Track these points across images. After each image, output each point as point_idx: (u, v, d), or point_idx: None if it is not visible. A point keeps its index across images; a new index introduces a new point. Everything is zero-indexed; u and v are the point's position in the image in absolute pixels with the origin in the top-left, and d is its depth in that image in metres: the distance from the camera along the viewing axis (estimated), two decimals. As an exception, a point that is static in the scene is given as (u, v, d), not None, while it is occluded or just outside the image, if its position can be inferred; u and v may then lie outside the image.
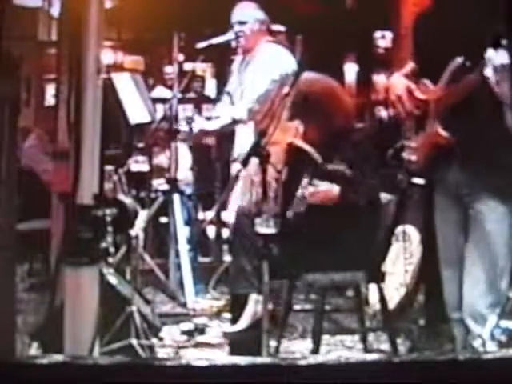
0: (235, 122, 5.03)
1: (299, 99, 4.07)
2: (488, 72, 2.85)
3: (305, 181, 3.95)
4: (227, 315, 4.75)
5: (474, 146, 3.05)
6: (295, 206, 3.95)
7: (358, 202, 3.88)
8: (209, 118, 5.38)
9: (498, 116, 2.98)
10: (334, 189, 3.93)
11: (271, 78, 4.86)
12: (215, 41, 5.19)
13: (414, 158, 3.23)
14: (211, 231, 6.53)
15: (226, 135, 5.59)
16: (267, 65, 4.93)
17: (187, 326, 4.71)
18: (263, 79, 4.90)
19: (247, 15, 5.08)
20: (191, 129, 5.28)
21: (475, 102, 2.99)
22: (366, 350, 4.22)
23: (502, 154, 3.04)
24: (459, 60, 3.01)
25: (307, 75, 4.14)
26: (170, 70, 6.54)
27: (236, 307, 4.42)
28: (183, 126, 5.35)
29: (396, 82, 3.25)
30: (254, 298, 4.28)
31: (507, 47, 2.80)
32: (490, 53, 2.85)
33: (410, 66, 3.28)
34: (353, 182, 3.90)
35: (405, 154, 3.27)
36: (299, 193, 3.95)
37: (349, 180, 3.90)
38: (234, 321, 4.40)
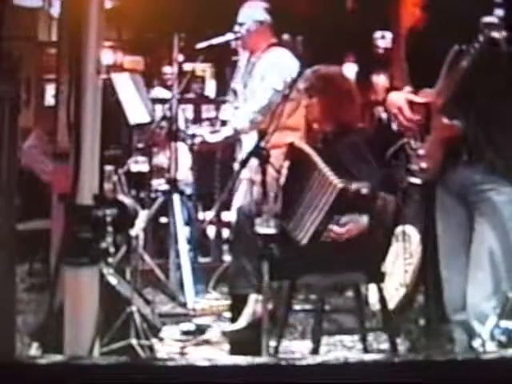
0: (237, 132, 5.01)
1: (319, 76, 4.13)
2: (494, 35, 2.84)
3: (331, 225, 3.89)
4: (227, 315, 4.75)
5: (486, 132, 3.05)
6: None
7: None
8: (213, 132, 5.36)
9: (502, 98, 2.99)
10: (362, 220, 3.90)
11: (275, 89, 4.84)
12: (215, 41, 5.19)
13: (424, 165, 3.20)
14: (211, 231, 6.53)
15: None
16: (272, 75, 4.89)
17: (187, 326, 4.72)
18: (267, 90, 4.87)
19: (245, 16, 5.07)
20: (193, 143, 5.30)
21: (479, 84, 2.99)
22: (366, 350, 4.22)
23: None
24: (455, 48, 3.02)
25: (323, 67, 4.21)
26: (170, 71, 6.54)
27: (236, 307, 4.42)
28: (186, 138, 5.37)
29: (395, 97, 3.26)
30: (253, 297, 4.28)
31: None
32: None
33: (406, 90, 3.29)
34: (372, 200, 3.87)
35: (413, 165, 3.25)
36: (325, 236, 3.91)
37: (369, 201, 3.86)
38: (233, 320, 4.41)
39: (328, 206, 3.79)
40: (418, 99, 3.18)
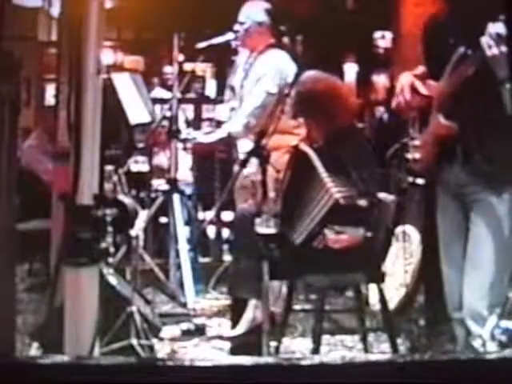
0: (231, 136, 4.99)
1: (303, 97, 4.06)
2: (485, 45, 2.86)
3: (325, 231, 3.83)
4: (227, 315, 4.75)
5: (476, 136, 3.07)
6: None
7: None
8: (207, 133, 5.39)
9: (501, 104, 3.00)
10: (357, 232, 3.83)
11: (268, 92, 4.81)
12: (215, 41, 5.19)
13: (417, 156, 3.24)
14: (211, 231, 6.54)
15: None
16: (267, 77, 4.87)
17: (187, 325, 4.71)
18: (260, 93, 4.85)
19: (245, 15, 5.07)
20: (187, 141, 5.33)
21: (477, 90, 3.01)
22: (366, 350, 4.21)
23: (506, 145, 3.05)
24: (461, 50, 3.03)
25: (311, 73, 4.15)
26: (170, 70, 6.54)
27: (236, 309, 4.42)
28: (182, 137, 5.40)
29: (402, 78, 3.29)
30: (253, 303, 4.26)
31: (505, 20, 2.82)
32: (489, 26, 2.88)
33: (420, 69, 3.31)
34: (370, 214, 3.83)
35: (408, 154, 3.28)
36: (318, 241, 3.87)
37: (366, 213, 3.81)
38: (233, 322, 4.40)
39: (322, 214, 3.77)
40: (422, 90, 3.21)
